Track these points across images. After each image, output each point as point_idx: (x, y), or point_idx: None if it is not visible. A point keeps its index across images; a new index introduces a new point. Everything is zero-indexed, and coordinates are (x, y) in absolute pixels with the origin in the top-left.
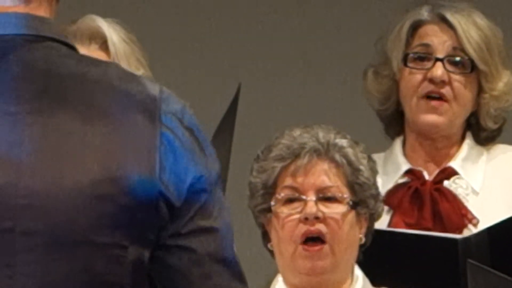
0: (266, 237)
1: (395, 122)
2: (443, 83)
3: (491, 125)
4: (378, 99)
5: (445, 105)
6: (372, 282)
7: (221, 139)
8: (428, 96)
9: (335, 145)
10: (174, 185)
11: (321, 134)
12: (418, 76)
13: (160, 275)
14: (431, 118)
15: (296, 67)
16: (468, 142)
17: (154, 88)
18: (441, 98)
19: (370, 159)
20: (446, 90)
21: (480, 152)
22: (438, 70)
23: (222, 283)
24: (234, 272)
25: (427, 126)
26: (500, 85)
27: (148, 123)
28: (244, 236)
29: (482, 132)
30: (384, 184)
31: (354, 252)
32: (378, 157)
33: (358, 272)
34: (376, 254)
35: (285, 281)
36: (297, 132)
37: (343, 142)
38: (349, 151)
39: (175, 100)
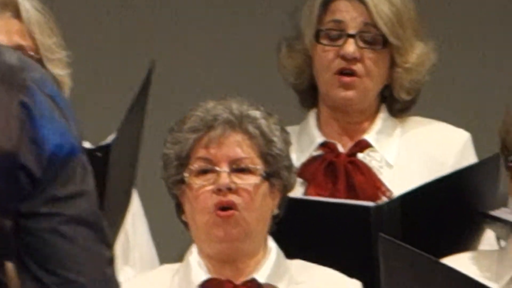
0: (179, 208)
1: (309, 95)
2: (355, 59)
3: (404, 96)
4: (292, 73)
5: (357, 81)
6: (286, 252)
7: (134, 115)
8: (341, 72)
9: (248, 116)
10: (35, 154)
11: (234, 106)
12: (331, 53)
13: (27, 244)
14: (344, 93)
15: (211, 42)
16: (382, 115)
17: (11, 57)
18: (353, 74)
19: (283, 130)
20: (358, 67)
21: (394, 125)
22: (350, 47)
23: (87, 246)
24: (99, 235)
25: (340, 101)
26: (413, 57)
27: (6, 92)
28: (157, 209)
29: (396, 104)
30: (298, 157)
31: (266, 223)
32: (292, 129)
33: (271, 244)
34: (290, 222)
35: (200, 252)
36: (210, 104)
37: (256, 113)
38: (263, 122)
39: (34, 68)
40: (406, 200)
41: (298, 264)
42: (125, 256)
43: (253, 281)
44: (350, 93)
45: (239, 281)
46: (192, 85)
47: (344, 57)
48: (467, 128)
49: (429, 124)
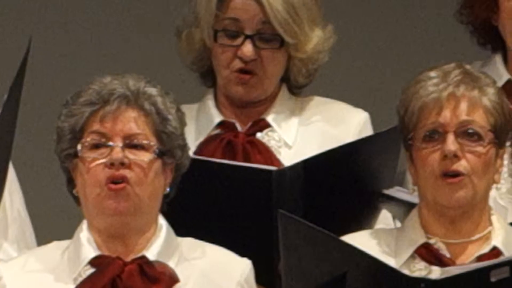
0: (71, 183)
1: (208, 76)
2: (253, 60)
3: (303, 81)
4: (190, 59)
5: (255, 79)
6: (184, 216)
7: (14, 91)
8: (240, 70)
9: (145, 93)
10: None
11: (131, 82)
12: (229, 53)
13: None
14: (243, 91)
15: (94, 16)
16: (281, 95)
17: None
18: (252, 72)
19: (179, 109)
20: (256, 66)
21: (293, 105)
22: (248, 49)
23: None
24: None
25: (239, 97)
26: (310, 47)
27: None
28: (48, 185)
29: (294, 84)
30: (197, 136)
31: (158, 200)
32: (190, 108)
33: (162, 221)
34: (191, 183)
35: (90, 227)
36: (107, 79)
37: (152, 90)
38: (159, 100)
39: None
40: (308, 164)
41: (188, 242)
42: (4, 231)
43: (143, 258)
44: (248, 91)
45: (129, 258)
46: (75, 64)
47: (241, 59)
48: (366, 108)
49: (328, 104)
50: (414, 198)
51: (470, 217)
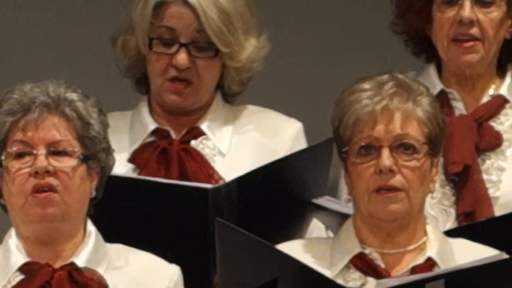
0: None
1: (142, 83)
2: (187, 69)
3: (236, 89)
4: (125, 66)
5: (189, 88)
6: (115, 234)
7: None
8: (174, 78)
9: (65, 99)
10: None
11: (51, 89)
12: (163, 61)
13: None
14: (177, 100)
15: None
16: (216, 103)
17: None
18: (186, 80)
19: (100, 112)
20: (190, 75)
21: (227, 113)
22: (182, 57)
23: None
24: None
25: (173, 106)
26: (244, 56)
27: None
28: None
29: (228, 92)
30: (131, 143)
31: (85, 205)
32: (125, 115)
33: (91, 227)
34: (122, 201)
35: (18, 235)
36: (27, 87)
37: (73, 96)
38: (80, 105)
39: None
40: (243, 181)
41: (117, 248)
42: None
43: (72, 265)
44: (183, 99)
45: (58, 264)
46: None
47: (176, 67)
48: (301, 118)
49: (262, 113)
50: (344, 208)
51: (406, 228)
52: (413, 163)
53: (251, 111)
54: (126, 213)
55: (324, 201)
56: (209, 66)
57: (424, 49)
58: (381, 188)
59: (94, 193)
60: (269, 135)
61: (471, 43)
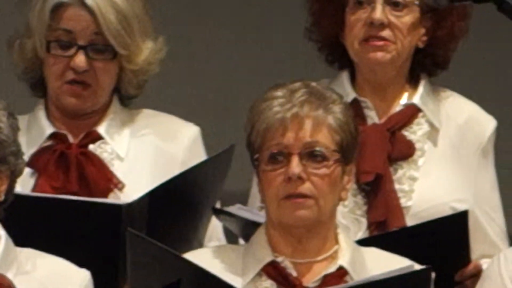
0: None
1: (38, 87)
2: (85, 72)
3: (133, 92)
4: (21, 69)
5: (88, 90)
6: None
7: None
8: (73, 82)
9: None
10: None
11: None
12: (61, 64)
13: None
14: (74, 102)
15: None
16: (113, 108)
17: None
18: (83, 83)
19: (10, 115)
20: (88, 77)
21: (125, 118)
22: (80, 59)
23: None
24: None
25: (71, 109)
26: (141, 59)
27: None
28: None
29: (125, 95)
30: (28, 147)
31: None
32: (22, 119)
33: (1, 231)
34: (33, 218)
35: None
36: None
37: None
38: None
39: None
40: (153, 196)
41: (26, 253)
42: None
43: None
44: (81, 102)
45: None
46: None
47: (74, 70)
48: (198, 122)
49: (159, 117)
50: (256, 216)
51: (316, 236)
52: (323, 170)
53: (149, 115)
54: (39, 229)
55: (236, 209)
56: (107, 68)
57: (338, 57)
58: (290, 196)
59: (3, 197)
60: (167, 139)
61: (382, 42)
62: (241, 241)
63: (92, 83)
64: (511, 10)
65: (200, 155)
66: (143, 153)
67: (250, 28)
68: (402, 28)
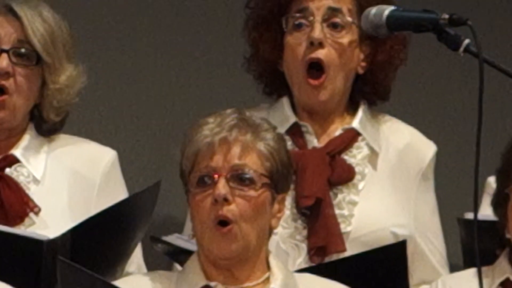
0: None
1: None
2: (7, 75)
3: (53, 117)
4: None
5: (8, 99)
6: None
7: None
8: None
9: None
10: None
11: None
12: None
13: None
14: None
15: None
16: (29, 133)
17: None
18: (4, 91)
19: None
20: (9, 83)
21: (42, 141)
22: (3, 62)
23: None
24: None
25: None
26: (63, 78)
27: None
28: None
29: (44, 124)
30: None
31: None
32: None
33: None
34: None
35: None
36: None
37: None
38: None
39: None
40: (76, 232)
41: None
42: None
43: None
44: (1, 114)
45: None
46: None
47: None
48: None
49: (77, 142)
50: (193, 246)
51: (245, 264)
52: (250, 193)
53: (67, 139)
54: None
55: (174, 238)
56: (29, 75)
57: (277, 86)
58: (217, 220)
59: None
60: (84, 163)
61: (319, 80)
62: (177, 267)
63: (12, 90)
64: (451, 40)
65: (117, 180)
66: (60, 177)
67: (186, 55)
68: (340, 49)
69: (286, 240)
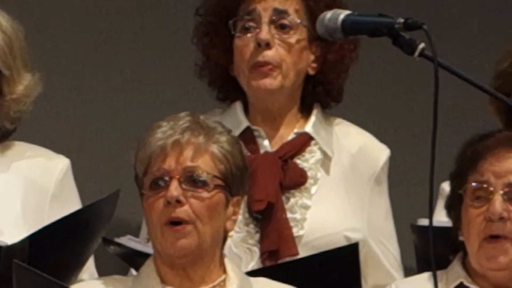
0: None
1: None
2: None
3: (8, 125)
4: None
5: None
6: None
7: None
8: None
9: None
10: None
11: None
12: None
13: None
14: None
15: None
16: None
17: None
18: None
19: None
20: None
21: None
22: None
23: None
24: None
25: None
26: (20, 88)
27: None
28: None
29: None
30: None
31: None
32: None
33: None
34: None
35: None
36: None
37: None
38: None
39: None
40: (34, 238)
41: None
42: None
43: None
44: None
45: None
46: None
47: None
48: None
49: (31, 149)
50: (145, 248)
51: (200, 266)
52: (203, 194)
53: (20, 146)
54: None
55: (127, 240)
56: None
57: (229, 91)
58: (170, 221)
59: None
60: (37, 171)
61: (268, 67)
62: (133, 272)
63: None
64: (406, 44)
65: (70, 188)
66: (13, 185)
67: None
68: (288, 49)
69: (239, 244)
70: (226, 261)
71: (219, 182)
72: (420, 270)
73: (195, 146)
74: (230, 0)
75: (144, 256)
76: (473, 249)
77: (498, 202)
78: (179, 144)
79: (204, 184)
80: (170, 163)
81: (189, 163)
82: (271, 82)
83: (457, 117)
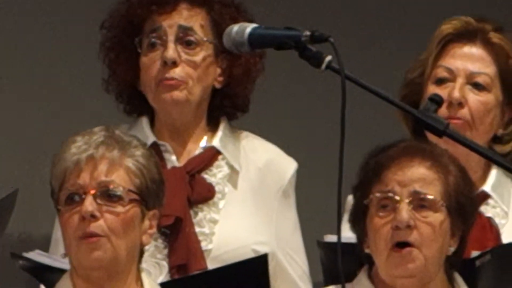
0: None
1: None
2: None
3: None
4: None
5: None
6: None
7: None
8: None
9: None
10: None
11: None
12: None
13: None
14: None
15: None
16: None
17: None
18: None
19: None
20: None
21: None
22: None
23: None
24: None
25: None
26: None
27: None
28: None
29: None
30: None
31: None
32: None
33: None
34: None
35: None
36: None
37: None
38: None
39: None
40: None
41: None
42: None
43: None
44: None
45: None
46: None
47: None
48: None
49: None
50: (56, 262)
51: (117, 280)
52: (118, 209)
53: None
54: None
55: (35, 255)
56: None
57: (136, 105)
58: (85, 236)
59: None
60: None
61: (174, 81)
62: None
63: None
64: (313, 57)
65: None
66: None
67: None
68: (195, 66)
69: (147, 258)
70: (143, 276)
71: (134, 196)
72: (327, 286)
73: (109, 161)
74: (135, 15)
75: (54, 271)
76: (381, 258)
77: (404, 211)
78: (94, 158)
79: (119, 199)
80: (84, 178)
81: (103, 178)
82: (178, 94)
83: (364, 129)
